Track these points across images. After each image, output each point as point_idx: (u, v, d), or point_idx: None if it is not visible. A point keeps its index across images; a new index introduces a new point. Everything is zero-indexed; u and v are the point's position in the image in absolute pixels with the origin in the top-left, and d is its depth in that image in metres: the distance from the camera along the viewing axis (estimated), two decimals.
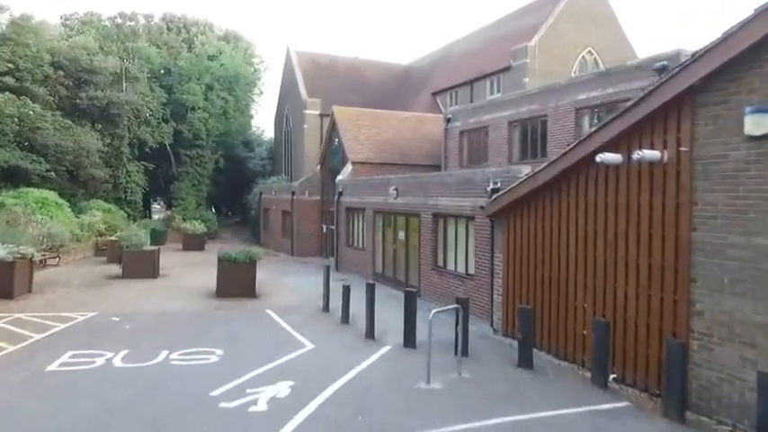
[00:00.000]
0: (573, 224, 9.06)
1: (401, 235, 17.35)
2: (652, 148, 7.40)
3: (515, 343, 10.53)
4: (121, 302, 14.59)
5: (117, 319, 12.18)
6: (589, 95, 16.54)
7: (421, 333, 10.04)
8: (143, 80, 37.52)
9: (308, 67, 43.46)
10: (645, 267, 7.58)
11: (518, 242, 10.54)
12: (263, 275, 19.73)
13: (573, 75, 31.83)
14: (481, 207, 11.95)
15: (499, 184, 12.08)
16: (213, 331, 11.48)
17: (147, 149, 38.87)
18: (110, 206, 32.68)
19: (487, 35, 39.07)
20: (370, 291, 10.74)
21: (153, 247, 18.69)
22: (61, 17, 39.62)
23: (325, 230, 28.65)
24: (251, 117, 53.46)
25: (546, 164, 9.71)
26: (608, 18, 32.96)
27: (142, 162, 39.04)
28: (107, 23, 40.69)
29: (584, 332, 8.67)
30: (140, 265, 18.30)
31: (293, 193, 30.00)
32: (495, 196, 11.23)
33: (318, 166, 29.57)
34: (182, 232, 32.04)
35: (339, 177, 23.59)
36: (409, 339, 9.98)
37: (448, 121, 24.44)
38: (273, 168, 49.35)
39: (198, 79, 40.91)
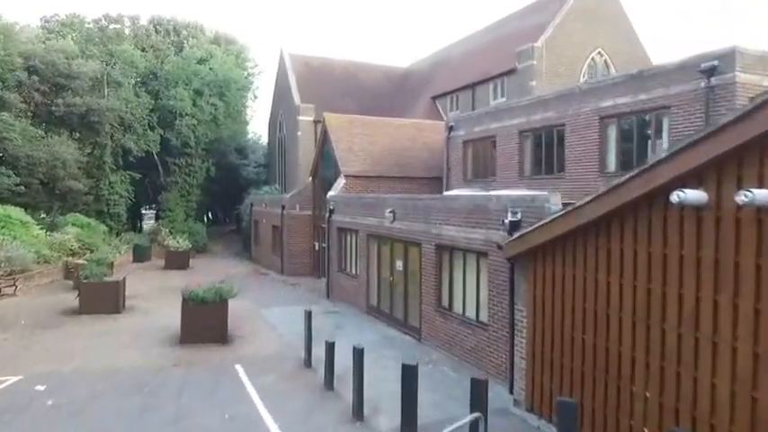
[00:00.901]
0: (630, 280, 6.75)
1: (399, 265, 15.04)
2: (761, 184, 5.10)
3: (543, 424, 8.23)
4: (63, 355, 12.10)
5: (42, 388, 9.70)
6: (616, 102, 14.24)
7: (425, 408, 7.78)
8: (127, 85, 35.27)
9: (301, 71, 41.25)
10: (748, 356, 5.28)
11: (548, 294, 8.24)
12: (243, 305, 17.51)
13: (582, 77, 29.64)
14: (498, 246, 9.65)
15: (519, 215, 9.80)
16: (156, 410, 9.02)
17: (132, 159, 36.62)
18: (89, 220, 30.41)
19: (490, 36, 36.85)
20: (358, 357, 8.39)
21: (115, 279, 16.32)
22: (41, 19, 37.41)
23: (317, 248, 26.36)
24: (245, 123, 51.19)
25: (591, 197, 7.42)
26: (618, 17, 30.73)
27: (128, 172, 36.80)
28: (91, 26, 38.39)
29: None
30: (101, 300, 15.95)
31: (283, 207, 27.72)
32: (517, 235, 8.93)
33: (310, 178, 27.28)
34: (165, 248, 29.70)
35: (330, 193, 21.30)
36: (408, 426, 7.63)
37: (450, 129, 22.17)
38: (268, 176, 47.19)
39: (186, 84, 38.65)
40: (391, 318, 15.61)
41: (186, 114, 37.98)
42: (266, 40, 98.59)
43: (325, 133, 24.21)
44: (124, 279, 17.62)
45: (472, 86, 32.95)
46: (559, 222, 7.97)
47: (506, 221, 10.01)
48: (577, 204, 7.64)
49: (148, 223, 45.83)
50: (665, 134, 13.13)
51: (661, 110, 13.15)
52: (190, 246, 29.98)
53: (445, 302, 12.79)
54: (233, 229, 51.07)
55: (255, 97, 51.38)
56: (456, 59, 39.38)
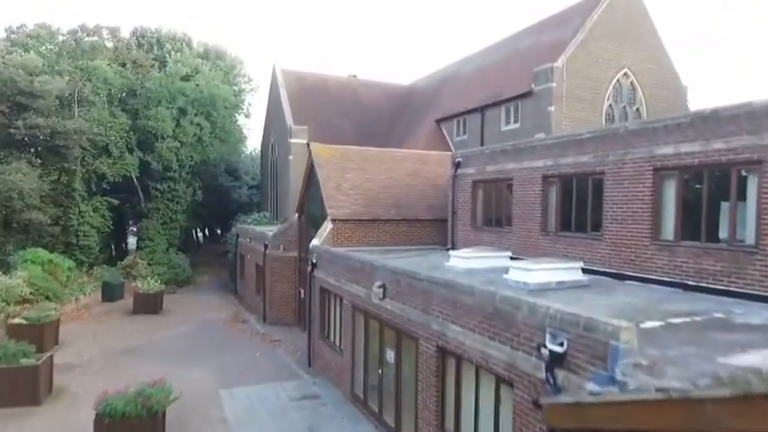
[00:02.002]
0: None
1: (390, 356, 11.60)
2: None
3: None
4: None
5: None
6: (678, 150, 10.81)
7: None
8: (101, 104, 32.10)
9: (294, 88, 38.06)
10: None
11: None
12: (200, 380, 14.49)
13: (606, 101, 26.28)
14: (535, 404, 6.20)
15: (565, 346, 6.36)
16: None
17: (105, 185, 33.37)
18: (52, 256, 27.08)
19: (502, 52, 33.56)
20: None
21: (34, 362, 12.86)
22: (6, 30, 34.25)
23: (303, 295, 22.94)
24: (240, 140, 47.84)
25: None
26: (647, 33, 27.39)
27: (105, 197, 33.56)
28: (67, 37, 35.29)
29: None
30: (12, 389, 12.52)
31: (266, 247, 24.38)
32: (566, 399, 5.48)
33: (296, 215, 23.91)
34: (134, 290, 26.27)
35: (314, 242, 17.89)
36: None
37: (457, 166, 18.76)
38: (261, 199, 43.88)
39: (169, 103, 35.49)
40: (380, 419, 12.13)
41: (168, 136, 34.76)
42: (265, 53, 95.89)
43: (311, 166, 20.86)
44: (51, 357, 14.15)
45: (481, 110, 29.65)
46: (651, 408, 4.50)
47: (544, 350, 6.58)
48: (694, 394, 4.16)
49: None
50: (751, 198, 9.69)
51: (745, 164, 9.73)
52: (163, 286, 26.53)
53: (449, 427, 9.32)
54: (226, 251, 47.66)
55: (248, 115, 48.23)
56: (464, 77, 36.11)
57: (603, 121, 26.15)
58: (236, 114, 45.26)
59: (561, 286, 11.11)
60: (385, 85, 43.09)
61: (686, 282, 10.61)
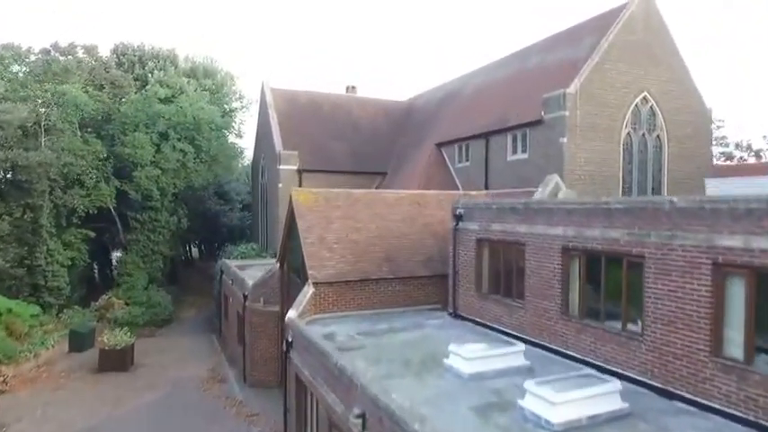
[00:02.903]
0: None
1: None
2: None
3: None
4: None
5: None
6: (751, 245, 8.14)
7: None
8: (71, 132, 29.56)
9: (285, 109, 35.53)
10: None
11: None
12: None
13: (625, 129, 23.61)
14: None
15: None
16: None
17: (79, 216, 30.80)
18: (12, 303, 24.60)
19: (508, 70, 30.90)
20: None
21: None
22: None
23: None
24: (232, 158, 45.02)
25: None
26: (668, 52, 24.72)
27: (80, 229, 31.02)
28: (37, 57, 32.77)
29: None
30: None
31: (245, 298, 21.78)
32: None
33: (277, 264, 21.26)
34: (101, 345, 23.60)
35: (290, 314, 15.24)
36: None
37: (458, 218, 16.12)
38: (252, 222, 41.20)
39: (148, 127, 32.97)
40: None
41: (147, 164, 32.19)
42: (264, 65, 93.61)
43: (292, 214, 18.22)
44: None
45: (485, 136, 27.00)
46: None
47: None
48: None
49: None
50: None
51: None
52: (133, 339, 23.90)
53: None
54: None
55: (240, 134, 45.70)
56: (466, 97, 33.49)
57: (621, 151, 23.51)
58: (227, 134, 42.80)
59: (595, 421, 8.49)
60: (382, 103, 40.49)
61: None
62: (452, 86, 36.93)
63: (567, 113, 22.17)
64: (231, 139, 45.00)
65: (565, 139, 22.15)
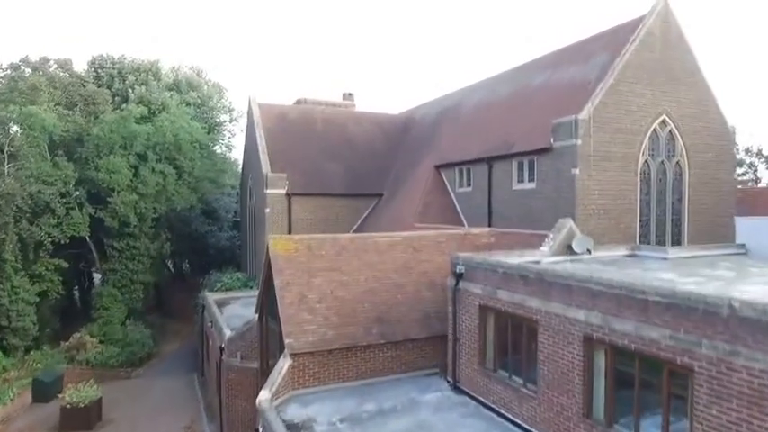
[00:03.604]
0: None
1: None
2: None
3: None
4: None
5: None
6: None
7: None
8: (39, 156, 27.38)
9: (273, 126, 33.30)
10: None
11: None
12: None
13: (642, 156, 21.37)
14: None
15: None
16: None
17: (43, 251, 28.55)
18: None
19: (511, 87, 28.64)
20: None
21: None
22: None
23: None
24: (222, 171, 42.45)
25: None
26: (689, 70, 22.51)
27: (52, 260, 28.83)
28: (7, 73, 30.59)
29: None
30: None
31: (221, 351, 19.57)
32: None
33: (256, 315, 19.03)
34: (61, 402, 21.38)
35: (262, 395, 13.06)
36: None
37: (459, 277, 13.91)
38: (241, 244, 38.89)
39: (124, 149, 30.76)
40: None
41: (123, 189, 30.00)
42: (261, 74, 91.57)
43: (269, 267, 16.00)
44: None
45: (488, 161, 24.78)
46: None
47: None
48: None
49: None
50: None
51: None
52: (99, 394, 21.69)
53: None
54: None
55: (230, 147, 43.48)
56: (467, 114, 31.25)
57: (638, 181, 21.28)
58: (215, 148, 40.61)
59: None
60: (378, 118, 38.25)
61: None
62: (451, 101, 34.69)
63: (578, 142, 19.94)
64: (223, 149, 42.92)
65: (577, 171, 19.92)
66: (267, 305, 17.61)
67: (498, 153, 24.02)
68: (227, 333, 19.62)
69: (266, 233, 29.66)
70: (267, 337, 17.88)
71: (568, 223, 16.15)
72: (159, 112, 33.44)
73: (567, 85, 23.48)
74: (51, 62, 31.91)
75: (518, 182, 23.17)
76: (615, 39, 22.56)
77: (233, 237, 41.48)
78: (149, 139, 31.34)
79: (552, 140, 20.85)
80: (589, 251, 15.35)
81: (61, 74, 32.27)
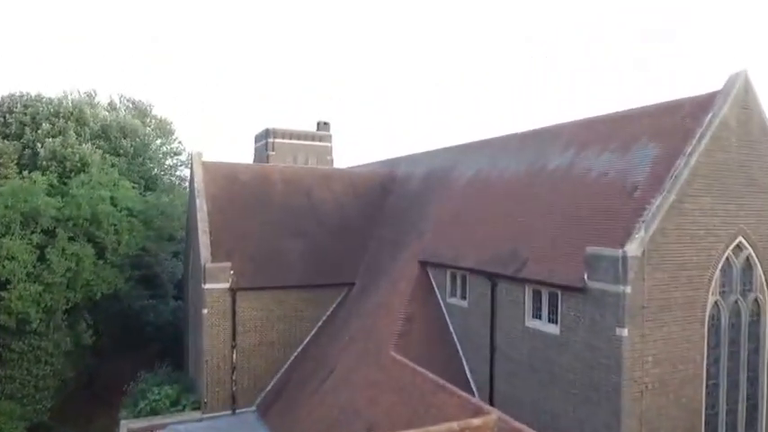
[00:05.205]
0: None
1: None
2: None
3: None
4: None
5: None
6: None
7: None
8: None
9: (221, 192, 26.66)
10: None
11: None
12: None
13: (711, 296, 15.19)
14: None
15: None
16: None
17: None
18: None
19: (520, 164, 22.16)
20: None
21: None
22: None
23: None
24: (164, 241, 35.31)
25: None
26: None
27: None
28: None
29: None
30: None
31: None
32: None
33: None
34: None
35: None
36: None
37: None
38: (183, 336, 31.65)
39: (25, 227, 24.04)
40: None
41: (21, 280, 23.27)
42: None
43: None
44: None
45: (490, 277, 18.42)
46: None
47: None
48: None
49: None
50: None
51: None
52: None
53: None
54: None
55: (179, 195, 36.51)
56: (461, 186, 24.92)
57: (705, 334, 15.09)
58: (160, 200, 33.81)
59: None
60: (352, 177, 31.71)
61: None
62: (440, 163, 28.29)
63: (627, 290, 13.67)
64: (171, 196, 36.03)
65: (625, 332, 13.63)
66: None
67: (504, 271, 17.69)
68: None
69: (204, 338, 23.17)
70: None
71: None
72: (78, 172, 26.61)
73: (599, 180, 17.20)
74: None
75: (533, 317, 16.88)
76: (669, 123, 16.38)
77: (178, 308, 34.66)
78: (61, 212, 24.53)
79: (586, 277, 14.56)
80: None
81: None
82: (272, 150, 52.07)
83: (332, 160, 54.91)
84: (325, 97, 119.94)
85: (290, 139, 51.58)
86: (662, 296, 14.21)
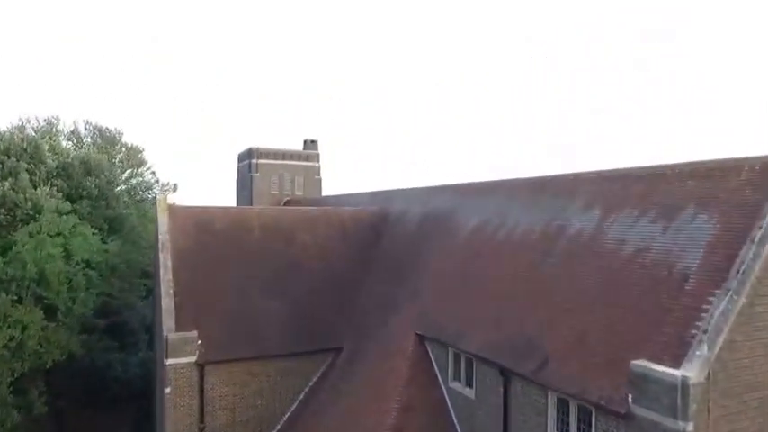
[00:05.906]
0: None
1: None
2: None
3: None
4: None
5: None
6: None
7: None
8: None
9: (190, 244, 23.41)
10: None
11: None
12: None
13: None
14: None
15: None
16: None
17: None
18: None
19: (536, 219, 18.94)
20: None
21: None
22: None
23: None
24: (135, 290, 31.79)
25: None
26: None
27: None
28: None
29: None
30: None
31: None
32: None
33: None
34: None
35: None
36: None
37: None
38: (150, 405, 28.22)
39: None
40: None
41: None
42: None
43: None
44: None
45: (502, 371, 15.23)
46: None
47: None
48: None
49: None
50: None
51: None
52: None
53: None
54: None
55: (146, 233, 33.12)
56: (464, 237, 21.76)
57: None
58: (130, 237, 30.49)
59: None
60: (341, 215, 28.42)
61: None
62: (440, 205, 25.11)
63: (689, 427, 10.46)
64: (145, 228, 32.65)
65: None
66: None
67: (520, 369, 14.48)
68: None
69: (167, 421, 19.90)
70: None
71: None
72: (29, 221, 23.28)
73: (637, 258, 14.01)
74: None
75: (558, 429, 13.66)
76: (722, 190, 13.26)
77: (148, 359, 31.26)
78: (3, 272, 21.22)
79: (630, 400, 11.35)
80: None
81: None
82: (256, 172, 48.63)
83: (320, 180, 51.60)
84: (325, 97, 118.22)
85: (275, 159, 48.20)
86: (728, 427, 11.06)
